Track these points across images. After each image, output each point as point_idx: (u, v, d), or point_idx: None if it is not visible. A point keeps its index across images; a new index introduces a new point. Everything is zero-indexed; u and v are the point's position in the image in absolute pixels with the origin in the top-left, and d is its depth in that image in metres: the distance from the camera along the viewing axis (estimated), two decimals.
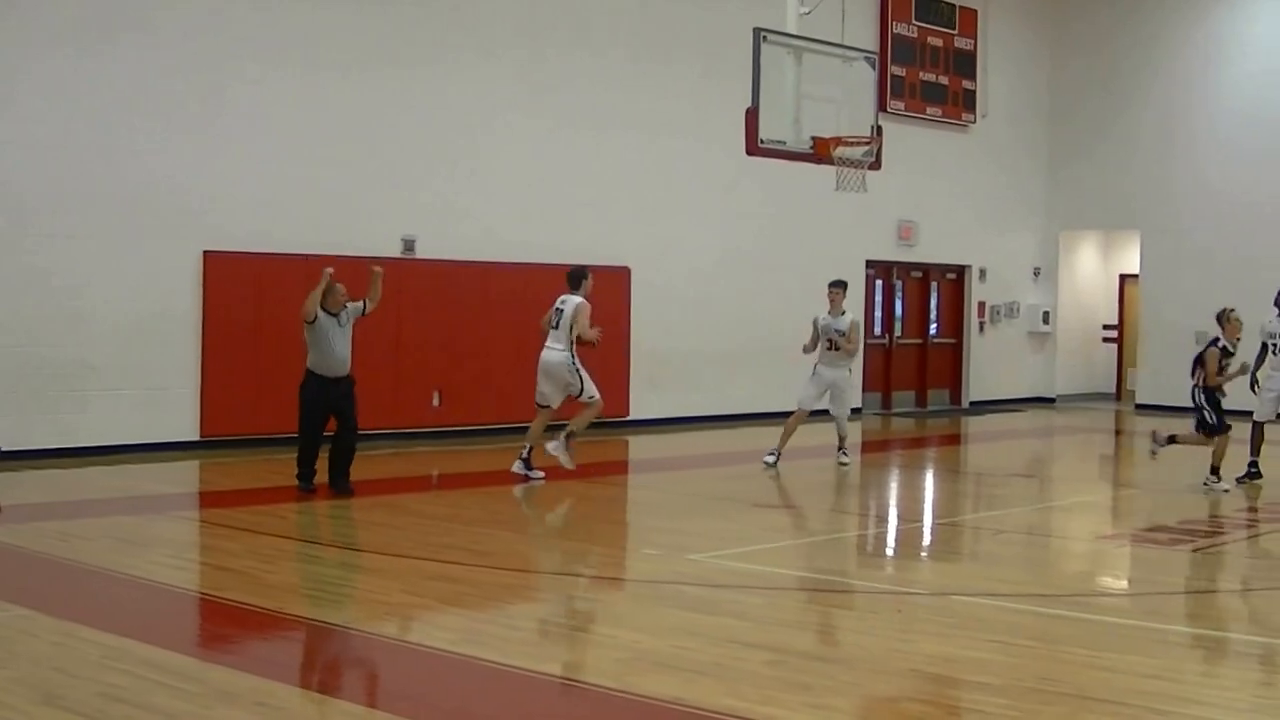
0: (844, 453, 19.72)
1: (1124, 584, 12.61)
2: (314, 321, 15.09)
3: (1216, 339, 17.34)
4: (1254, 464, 18.21)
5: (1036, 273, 31.40)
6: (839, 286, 19.54)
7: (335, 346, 15.16)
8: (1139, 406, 29.98)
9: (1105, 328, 32.89)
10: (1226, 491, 16.84)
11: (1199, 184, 29.57)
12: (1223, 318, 17.44)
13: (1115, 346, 32.87)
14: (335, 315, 15.17)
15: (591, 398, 16.98)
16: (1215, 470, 17.16)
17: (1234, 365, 17.15)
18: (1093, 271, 32.83)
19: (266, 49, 19.63)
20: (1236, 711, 7.96)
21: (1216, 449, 17.18)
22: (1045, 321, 31.21)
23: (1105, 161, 30.72)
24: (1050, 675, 8.64)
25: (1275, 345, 18.24)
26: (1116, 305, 32.94)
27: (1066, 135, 31.25)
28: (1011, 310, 30.69)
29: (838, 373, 19.32)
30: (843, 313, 19.25)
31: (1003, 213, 30.55)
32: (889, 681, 8.59)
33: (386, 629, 9.61)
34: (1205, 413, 17.10)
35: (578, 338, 16.79)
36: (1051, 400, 31.28)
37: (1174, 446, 17.78)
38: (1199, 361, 17.29)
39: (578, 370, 16.92)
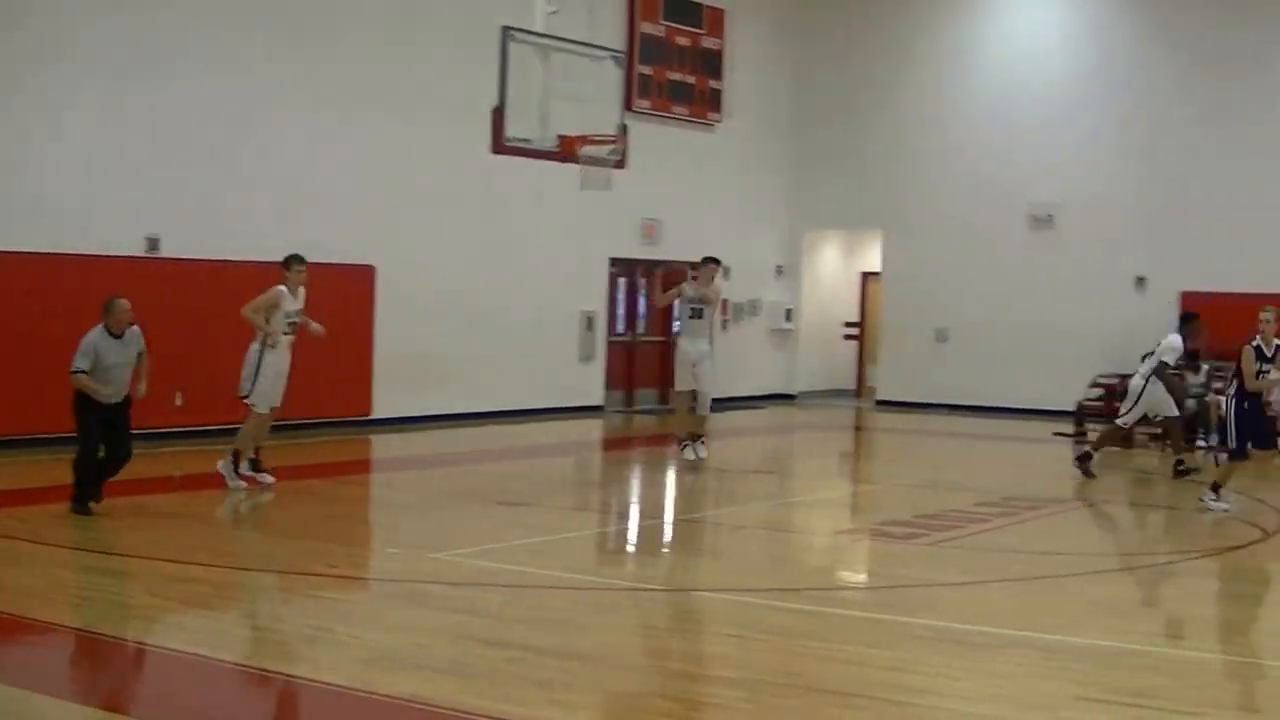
0: (699, 444, 19.44)
1: (861, 578, 12.86)
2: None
3: (1252, 338, 15.93)
4: (1180, 461, 19.24)
5: (779, 271, 31.82)
6: (713, 262, 19.71)
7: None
8: (879, 403, 30.63)
9: (846, 325, 33.45)
10: (1226, 510, 15.80)
11: (939, 184, 30.28)
12: (1272, 316, 16.04)
13: (856, 344, 33.47)
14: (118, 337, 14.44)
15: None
16: (1216, 487, 16.09)
17: (1275, 373, 15.88)
18: (835, 270, 33.39)
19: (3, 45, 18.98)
20: (970, 700, 8.16)
21: (1224, 470, 16.28)
22: (787, 319, 31.62)
23: (849, 162, 31.26)
24: (789, 669, 8.76)
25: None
26: (858, 303, 33.54)
27: (811, 135, 31.70)
28: (754, 308, 31.03)
29: (699, 347, 19.53)
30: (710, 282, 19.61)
31: (747, 211, 30.88)
32: (629, 677, 8.63)
33: (127, 631, 9.39)
34: (1230, 434, 15.93)
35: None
36: (793, 397, 31.73)
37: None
38: (1236, 369, 16.00)
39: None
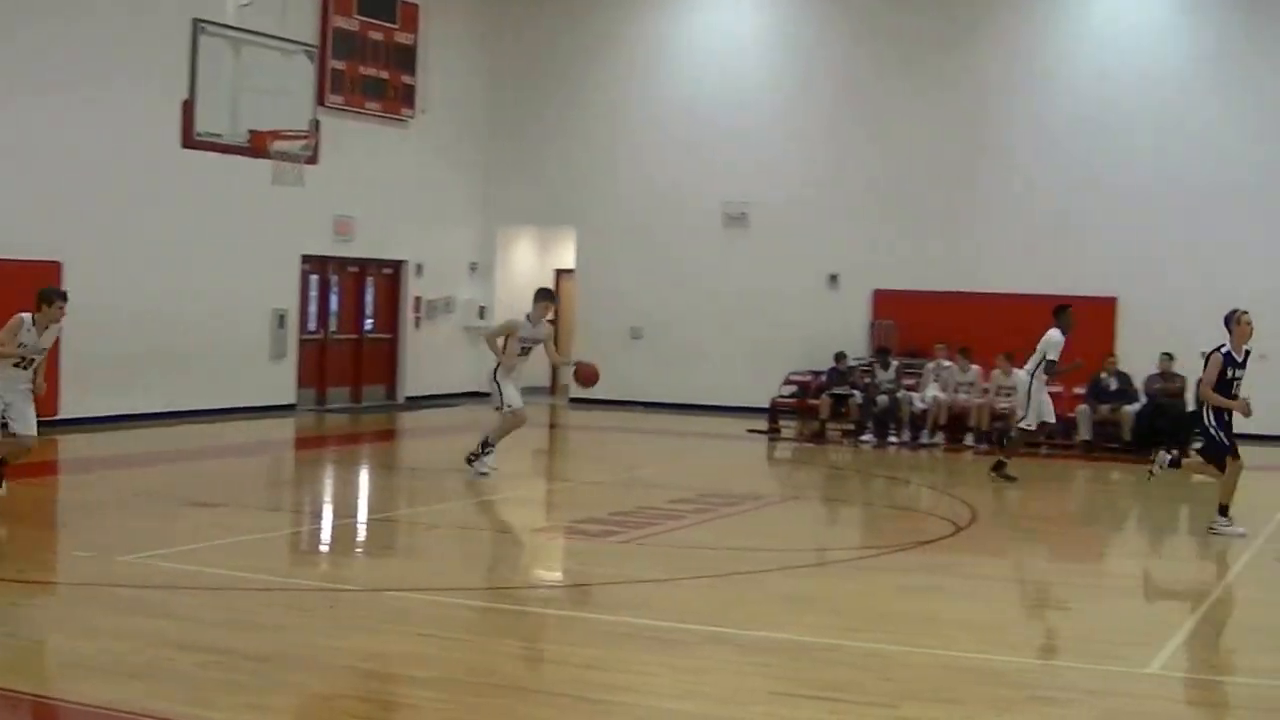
0: (485, 454, 18.61)
1: (557, 576, 12.90)
2: None
3: (1222, 345, 15.05)
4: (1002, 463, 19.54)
5: (473, 268, 31.79)
6: (548, 296, 19.12)
7: None
8: (573, 400, 30.79)
9: None
10: (1242, 535, 14.82)
11: (633, 182, 30.59)
12: (1231, 320, 15.14)
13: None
14: None
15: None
16: (1224, 510, 15.01)
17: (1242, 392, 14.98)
18: (529, 267, 33.44)
19: None
20: (666, 697, 8.23)
21: (1228, 483, 15.06)
22: (481, 316, 31.56)
23: (543, 159, 31.37)
24: (485, 668, 8.75)
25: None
26: None
27: (505, 132, 31.72)
28: (448, 305, 30.96)
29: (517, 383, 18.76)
30: (548, 321, 18.99)
31: (441, 208, 30.77)
32: (324, 678, 8.53)
33: None
34: (1217, 440, 14.93)
35: None
36: (487, 395, 31.62)
37: (1175, 470, 16.13)
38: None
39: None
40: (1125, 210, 27.28)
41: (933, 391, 24.53)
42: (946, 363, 24.79)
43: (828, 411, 25.01)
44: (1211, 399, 14.76)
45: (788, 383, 26.89)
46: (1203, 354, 15.50)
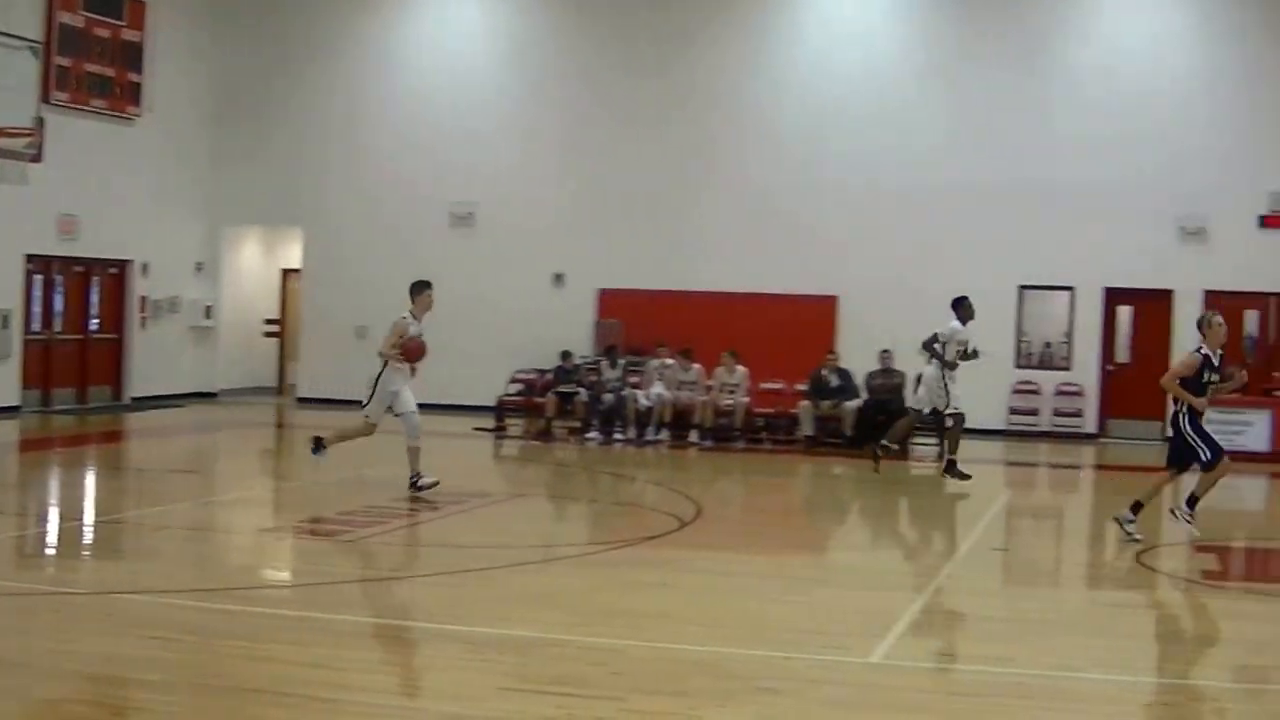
0: (420, 482, 17.01)
1: (286, 576, 12.85)
2: None
3: (1199, 347, 14.73)
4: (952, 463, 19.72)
5: (199, 267, 31.29)
6: (428, 287, 18.29)
7: None
8: (300, 399, 30.55)
9: (267, 322, 33.22)
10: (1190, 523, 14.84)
11: (360, 182, 30.44)
12: (1203, 323, 14.87)
13: (277, 341, 33.27)
14: None
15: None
16: (1193, 501, 14.95)
17: (1232, 382, 15.14)
18: (256, 266, 33.07)
19: None
20: (397, 695, 8.31)
21: (1205, 482, 14.87)
22: (207, 316, 31.11)
23: (269, 158, 31.01)
24: (214, 669, 8.70)
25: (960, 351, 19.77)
26: (279, 300, 33.34)
27: (232, 131, 31.28)
28: (174, 305, 30.43)
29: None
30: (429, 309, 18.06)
31: (167, 207, 30.21)
32: (50, 684, 8.40)
33: None
34: (1199, 450, 14.59)
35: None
36: (214, 395, 31.25)
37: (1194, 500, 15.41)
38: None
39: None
40: (845, 210, 28.04)
41: (657, 389, 24.88)
42: (669, 361, 25.18)
43: (554, 409, 25.23)
44: (1172, 388, 14.69)
45: (514, 381, 27.06)
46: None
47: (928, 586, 12.24)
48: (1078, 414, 27.92)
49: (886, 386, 24.75)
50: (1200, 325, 14.88)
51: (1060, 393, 28.07)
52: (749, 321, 27.14)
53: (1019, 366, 28.17)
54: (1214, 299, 26.71)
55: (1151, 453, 25.73)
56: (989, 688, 8.98)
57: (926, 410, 20.53)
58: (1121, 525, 14.89)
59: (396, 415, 17.14)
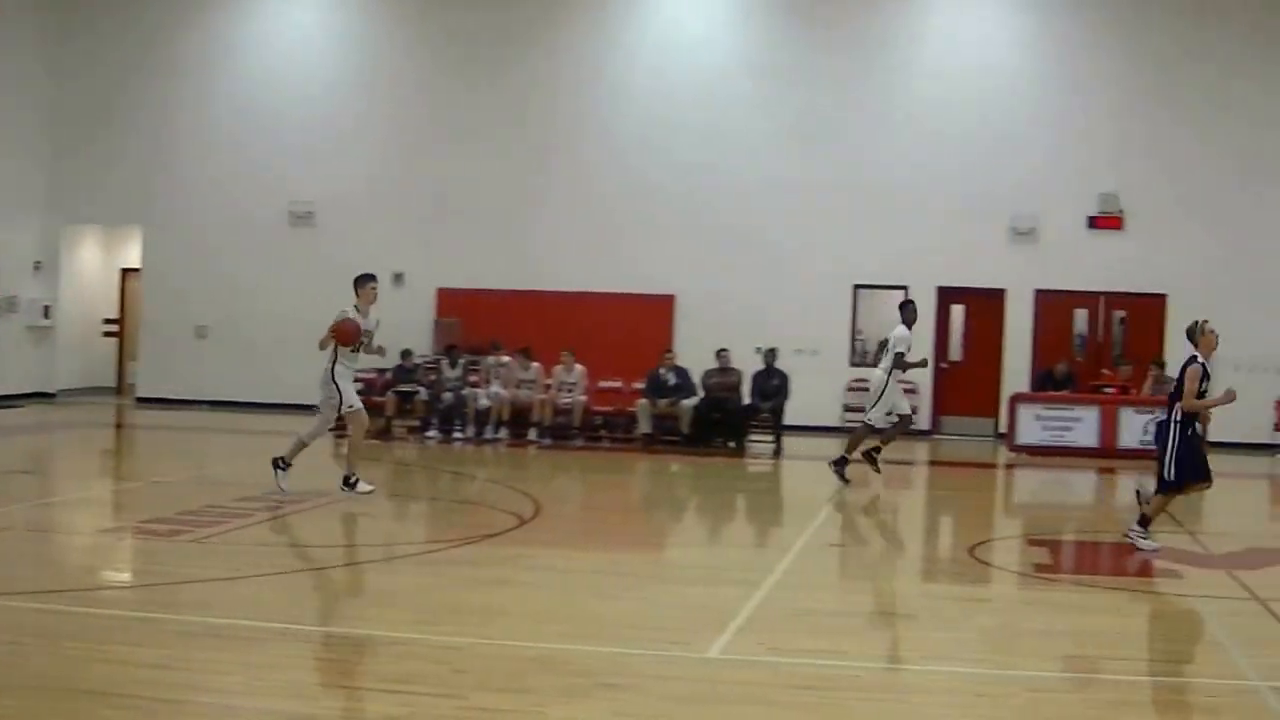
0: (355, 484, 17.02)
1: (125, 576, 12.73)
2: None
3: (1194, 357, 14.44)
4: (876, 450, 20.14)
5: (37, 266, 30.83)
6: (373, 279, 17.88)
7: None
8: (140, 400, 30.23)
9: (106, 322, 32.81)
10: (1156, 550, 14.58)
11: (200, 181, 30.26)
12: (1195, 332, 14.60)
13: (116, 341, 32.87)
14: None
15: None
16: (1145, 522, 14.79)
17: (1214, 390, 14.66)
18: (95, 266, 32.66)
19: None
20: (238, 695, 8.27)
21: (1157, 503, 14.76)
22: (45, 316, 30.69)
23: (109, 157, 30.65)
24: (53, 671, 8.62)
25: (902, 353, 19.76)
26: (118, 300, 32.93)
27: (72, 129, 30.86)
28: (11, 304, 29.96)
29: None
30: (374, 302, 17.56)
31: (4, 206, 29.76)
32: None
33: None
34: (1167, 467, 14.47)
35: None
36: (52, 395, 30.82)
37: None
38: (1177, 387, 14.55)
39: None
40: (683, 211, 28.32)
41: (495, 388, 24.97)
42: (505, 359, 25.28)
43: (393, 408, 25.24)
44: (1196, 406, 14.33)
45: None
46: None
47: (765, 581, 12.41)
48: (912, 411, 28.35)
49: (723, 385, 25.04)
50: (1192, 334, 14.64)
51: None
52: (587, 321, 27.35)
53: (854, 364, 28.61)
54: (1044, 298, 27.43)
55: (985, 449, 26.37)
56: (826, 681, 9.14)
57: (876, 416, 20.61)
58: (1133, 539, 14.70)
59: (345, 411, 17.03)
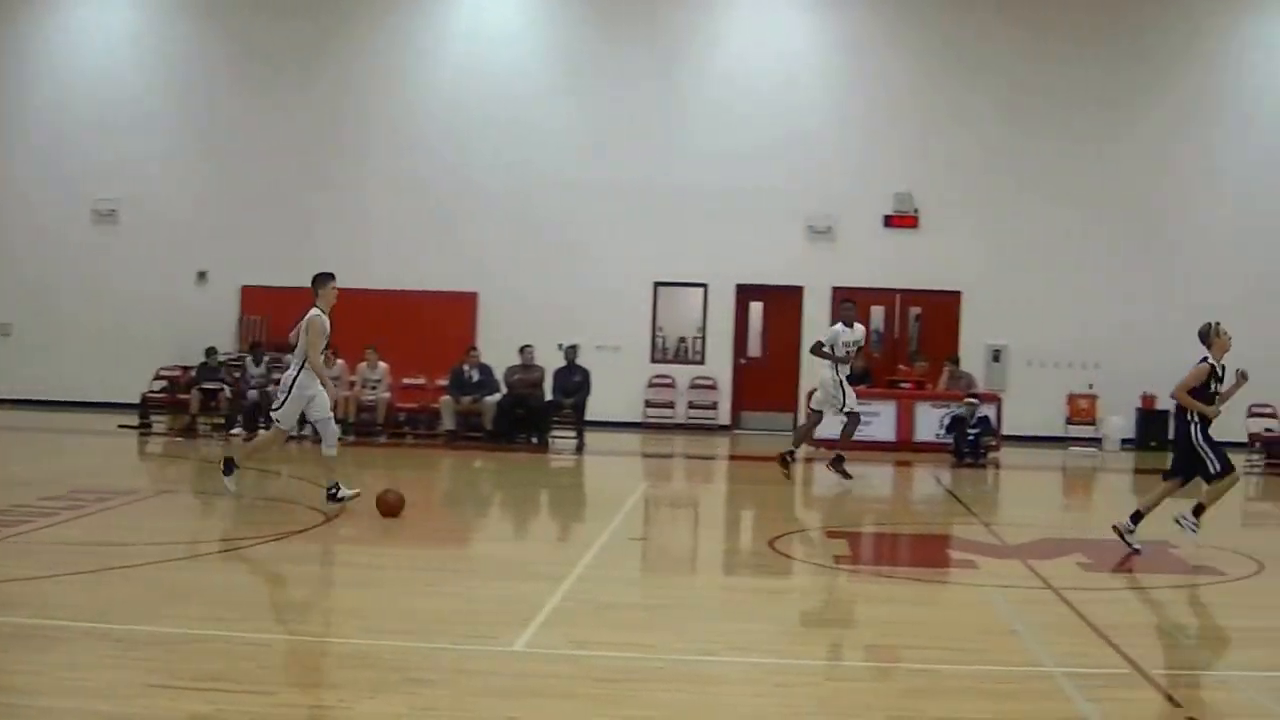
0: (338, 492, 16.25)
1: None
2: None
3: (1205, 357, 14.62)
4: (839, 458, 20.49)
5: None
6: (333, 278, 16.92)
7: None
8: None
9: None
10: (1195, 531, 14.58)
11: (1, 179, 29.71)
12: (1209, 333, 14.72)
13: None
14: None
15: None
16: (1199, 509, 14.65)
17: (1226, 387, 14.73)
18: None
19: None
20: (46, 695, 8.11)
21: (1215, 489, 14.60)
22: None
23: None
24: None
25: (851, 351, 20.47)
26: None
27: None
28: None
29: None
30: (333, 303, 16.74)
31: None
32: None
33: None
34: (1209, 461, 14.38)
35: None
36: None
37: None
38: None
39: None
40: (488, 208, 28.38)
41: None
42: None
43: (198, 405, 25.00)
44: (1184, 399, 14.45)
45: (158, 378, 26.65)
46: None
47: (569, 575, 12.52)
48: (712, 406, 28.82)
49: (526, 381, 25.17)
50: (1205, 335, 14.69)
51: (695, 386, 28.93)
52: (391, 318, 27.28)
53: (655, 361, 28.93)
54: (841, 295, 27.90)
55: (784, 443, 26.76)
56: (630, 673, 9.25)
57: (828, 412, 20.98)
58: (1122, 535, 14.69)
59: (310, 421, 16.51)
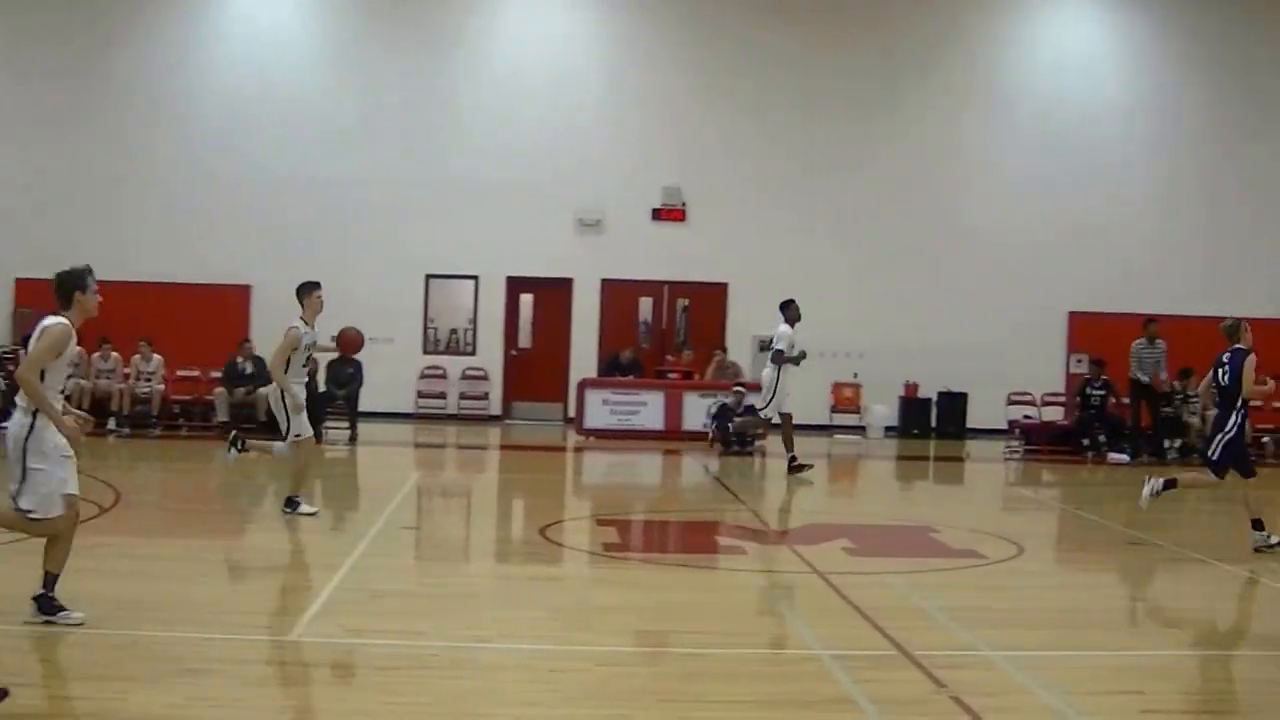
0: (297, 504, 15.69)
1: None
2: None
3: (1240, 348, 14.83)
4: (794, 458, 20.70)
5: None
6: (319, 286, 16.06)
7: None
8: None
9: None
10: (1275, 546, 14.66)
11: None
12: (1239, 329, 15.00)
13: None
14: None
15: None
16: (1259, 524, 14.84)
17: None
18: None
19: None
20: None
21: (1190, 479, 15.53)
22: None
23: None
24: None
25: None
26: None
27: None
28: None
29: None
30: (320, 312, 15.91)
31: None
32: None
33: None
34: (1215, 445, 14.86)
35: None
36: None
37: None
38: (1232, 380, 14.76)
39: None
40: (260, 201, 28.20)
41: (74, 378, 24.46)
42: (76, 348, 24.74)
43: None
44: (1254, 391, 14.74)
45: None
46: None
47: (343, 565, 12.55)
48: (483, 397, 28.95)
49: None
50: (1235, 331, 14.96)
51: (466, 377, 29.04)
52: (165, 311, 26.95)
53: (427, 352, 28.96)
54: (610, 287, 28.27)
55: (554, 433, 27.00)
56: (404, 660, 9.35)
57: (771, 412, 21.34)
58: (1264, 547, 14.67)
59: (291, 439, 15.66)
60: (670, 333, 29.89)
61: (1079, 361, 28.67)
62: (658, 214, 29.14)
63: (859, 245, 29.26)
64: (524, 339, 29.83)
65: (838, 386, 29.13)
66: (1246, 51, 29.85)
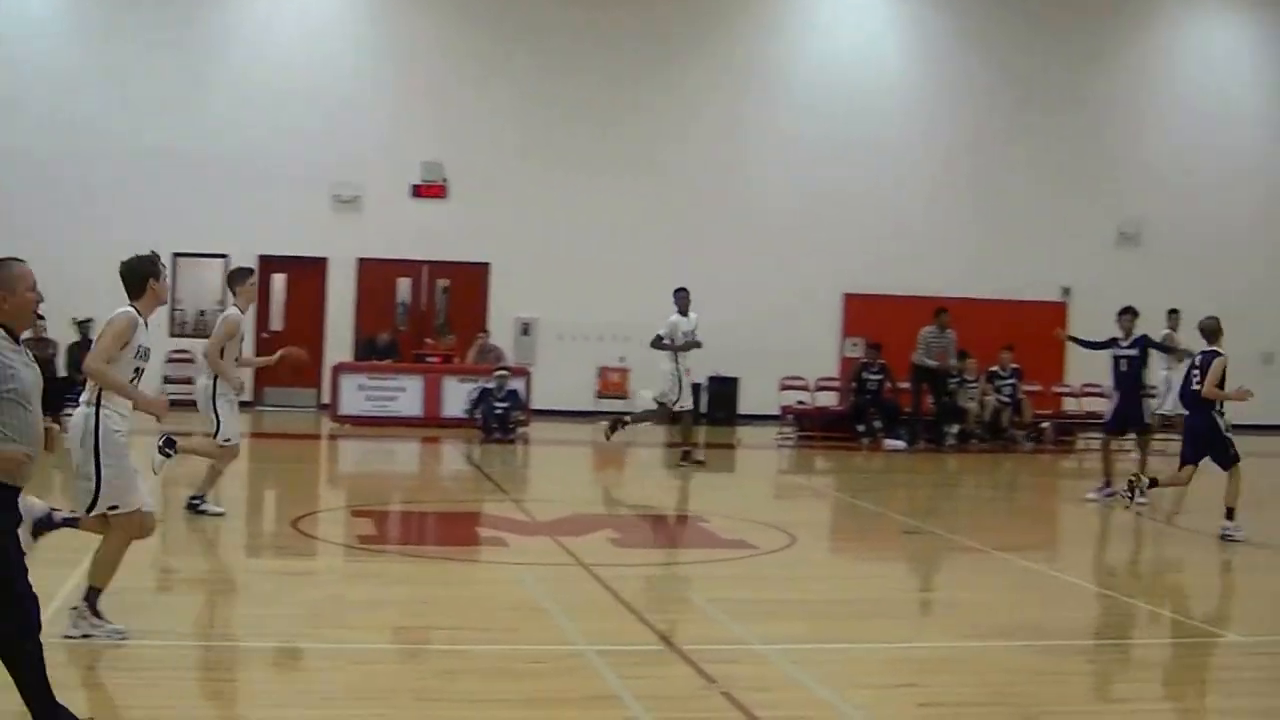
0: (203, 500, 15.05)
1: None
2: None
3: (1218, 351, 15.12)
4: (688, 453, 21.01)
5: None
6: (253, 274, 15.05)
7: None
8: None
9: None
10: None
11: None
12: (1217, 329, 15.32)
13: None
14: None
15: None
16: (1230, 513, 15.00)
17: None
18: None
19: None
20: None
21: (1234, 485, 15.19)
22: None
23: None
24: None
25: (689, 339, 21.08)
26: None
27: None
28: None
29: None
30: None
31: None
32: None
33: None
34: (1231, 446, 15.15)
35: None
36: None
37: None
38: (1200, 380, 15.05)
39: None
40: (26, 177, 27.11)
41: None
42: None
43: None
44: (1215, 395, 14.84)
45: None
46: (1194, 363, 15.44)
47: (82, 561, 11.84)
48: None
49: (39, 358, 23.90)
50: (1215, 331, 15.24)
51: None
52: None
53: (174, 335, 27.99)
54: (367, 266, 27.61)
55: (308, 420, 26.25)
56: (147, 662, 8.94)
57: (673, 403, 21.34)
58: (1229, 537, 14.82)
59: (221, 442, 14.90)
60: (430, 315, 29.25)
61: (854, 345, 28.69)
62: (417, 190, 28.49)
63: (626, 224, 28.86)
64: (276, 321, 28.92)
65: (604, 371, 28.74)
66: (1024, 30, 30.17)
